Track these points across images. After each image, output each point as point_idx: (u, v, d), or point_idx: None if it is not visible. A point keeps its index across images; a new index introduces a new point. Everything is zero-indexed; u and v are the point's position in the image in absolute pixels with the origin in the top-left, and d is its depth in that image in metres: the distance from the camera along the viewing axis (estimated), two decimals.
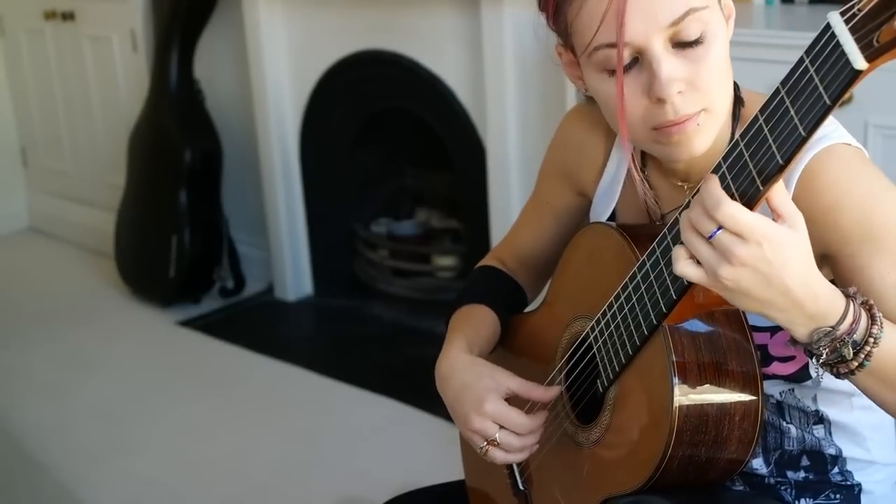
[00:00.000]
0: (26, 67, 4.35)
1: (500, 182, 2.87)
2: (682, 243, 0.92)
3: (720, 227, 0.88)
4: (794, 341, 0.95)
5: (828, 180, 1.00)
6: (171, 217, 3.51)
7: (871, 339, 0.92)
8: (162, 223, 3.56)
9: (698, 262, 0.91)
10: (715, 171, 0.91)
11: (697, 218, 0.89)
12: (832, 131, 1.03)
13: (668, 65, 0.98)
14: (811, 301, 0.90)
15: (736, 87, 1.10)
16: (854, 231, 0.99)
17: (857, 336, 0.92)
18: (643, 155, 1.18)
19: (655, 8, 0.97)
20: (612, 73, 1.01)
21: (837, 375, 0.95)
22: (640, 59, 1.00)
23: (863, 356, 0.92)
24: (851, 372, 0.93)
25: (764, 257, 0.87)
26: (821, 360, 0.93)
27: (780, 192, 0.89)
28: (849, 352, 0.92)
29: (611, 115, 1.07)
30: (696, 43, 0.99)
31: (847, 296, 0.93)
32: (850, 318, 0.92)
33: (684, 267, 0.92)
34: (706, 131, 1.02)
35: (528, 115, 2.79)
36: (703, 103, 1.01)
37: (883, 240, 0.99)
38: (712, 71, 1.00)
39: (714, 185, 0.88)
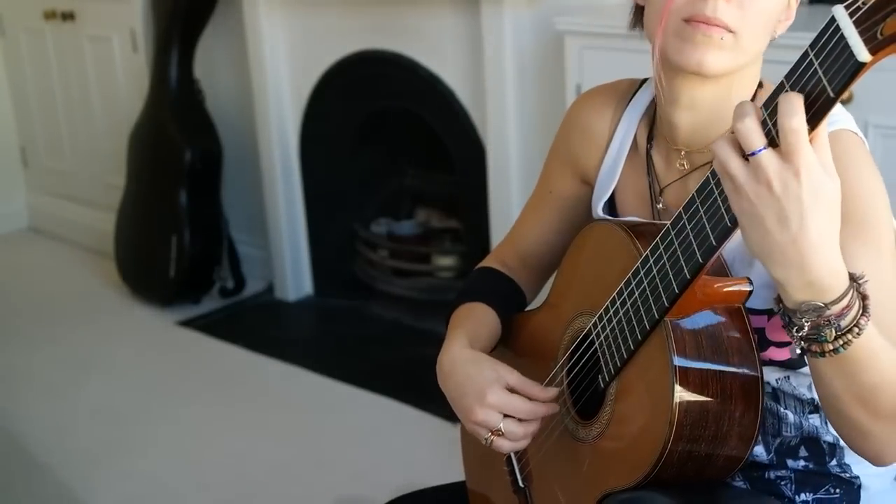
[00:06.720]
0: (26, 67, 4.35)
1: (500, 182, 2.87)
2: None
3: (765, 148, 0.84)
4: (779, 301, 0.92)
5: None
6: (171, 217, 3.52)
7: (857, 329, 0.89)
8: (162, 223, 3.56)
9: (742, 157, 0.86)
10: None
11: (748, 131, 0.84)
12: (841, 118, 1.06)
13: None
14: (816, 267, 0.86)
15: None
16: (843, 217, 0.94)
17: (844, 322, 0.89)
18: (650, 129, 1.21)
19: None
20: None
21: (805, 352, 0.92)
22: None
23: (841, 342, 0.89)
24: (822, 353, 0.90)
25: (795, 191, 0.83)
26: (799, 333, 0.90)
27: (825, 148, 0.85)
28: (830, 334, 0.89)
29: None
30: None
31: (852, 279, 0.90)
32: (844, 302, 0.88)
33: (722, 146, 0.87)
34: (725, 52, 1.04)
35: (528, 115, 2.79)
36: (738, 24, 1.03)
37: (868, 233, 0.99)
38: (761, 7, 1.03)
39: (797, 98, 0.82)
